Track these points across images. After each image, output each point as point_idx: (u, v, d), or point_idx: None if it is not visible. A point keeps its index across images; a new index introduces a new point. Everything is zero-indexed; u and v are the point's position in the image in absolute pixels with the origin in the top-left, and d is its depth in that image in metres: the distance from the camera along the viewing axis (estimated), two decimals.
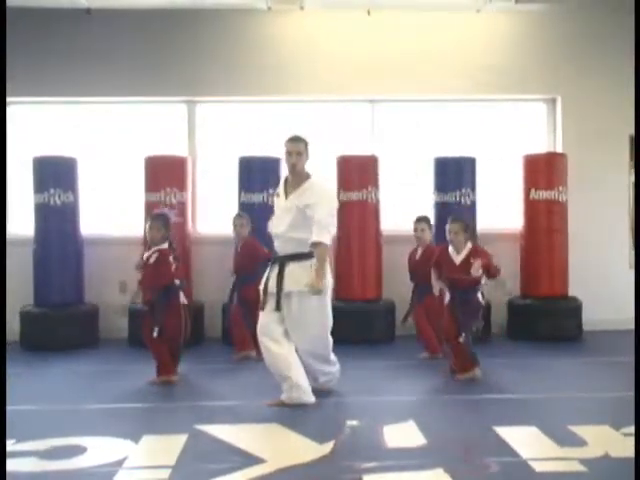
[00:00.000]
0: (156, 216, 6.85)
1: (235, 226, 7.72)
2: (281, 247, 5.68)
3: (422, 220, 7.69)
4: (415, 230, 7.60)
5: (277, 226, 5.70)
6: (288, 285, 5.57)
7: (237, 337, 7.63)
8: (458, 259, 6.54)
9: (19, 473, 4.06)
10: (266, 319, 5.64)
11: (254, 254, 7.46)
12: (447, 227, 6.63)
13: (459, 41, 9.46)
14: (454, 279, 6.51)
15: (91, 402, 5.81)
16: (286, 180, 5.78)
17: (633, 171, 9.51)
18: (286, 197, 5.68)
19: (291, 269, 5.59)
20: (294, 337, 5.66)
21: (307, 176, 5.68)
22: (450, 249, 6.60)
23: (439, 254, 6.74)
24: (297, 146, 5.63)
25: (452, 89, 9.45)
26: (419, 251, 7.61)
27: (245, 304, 7.37)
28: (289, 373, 5.52)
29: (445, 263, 6.61)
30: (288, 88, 9.32)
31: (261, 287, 5.74)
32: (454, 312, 6.44)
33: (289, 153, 5.64)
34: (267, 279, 5.69)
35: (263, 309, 5.68)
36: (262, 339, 5.64)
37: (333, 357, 5.95)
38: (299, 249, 5.55)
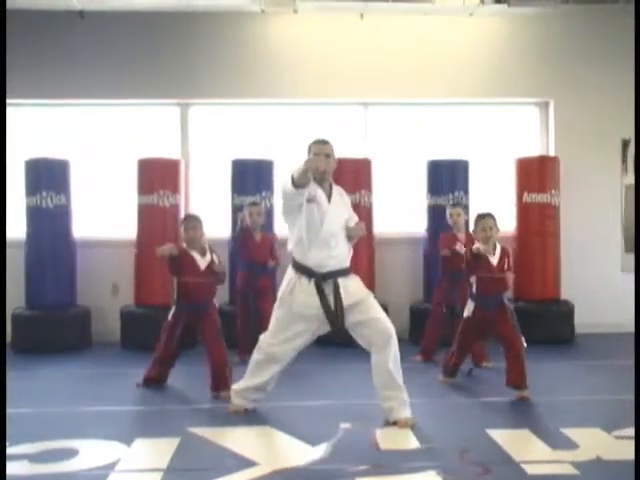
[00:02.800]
0: (188, 216, 6.66)
1: (251, 214, 7.43)
2: (322, 262, 5.06)
3: (458, 205, 7.58)
4: (451, 215, 7.39)
5: (327, 236, 5.07)
6: (348, 300, 5.12)
7: (243, 337, 7.37)
8: (494, 260, 6.07)
9: (11, 476, 4.04)
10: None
11: (272, 251, 7.51)
12: (478, 225, 6.10)
13: (452, 44, 9.47)
14: (499, 282, 6.02)
15: (83, 405, 5.79)
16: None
17: (625, 174, 9.54)
18: (329, 202, 5.15)
19: (345, 284, 5.14)
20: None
21: (330, 180, 5.24)
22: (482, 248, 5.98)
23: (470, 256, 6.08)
24: (326, 148, 5.14)
25: (445, 92, 9.47)
26: (461, 237, 7.34)
27: (258, 296, 7.39)
28: None
29: (479, 265, 6.03)
30: (281, 91, 9.32)
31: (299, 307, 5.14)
32: (507, 322, 5.98)
33: (317, 155, 5.08)
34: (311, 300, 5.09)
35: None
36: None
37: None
38: (344, 264, 5.18)
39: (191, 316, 6.11)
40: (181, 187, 9.00)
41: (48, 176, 8.67)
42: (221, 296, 8.54)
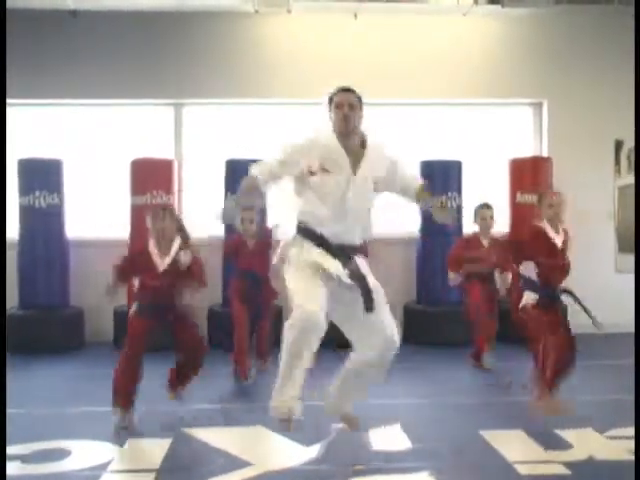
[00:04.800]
0: (157, 206, 6.20)
1: (243, 220, 6.73)
2: (339, 234, 4.22)
3: (489, 207, 7.28)
4: (483, 219, 7.14)
5: (351, 212, 4.24)
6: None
7: (240, 345, 6.75)
8: (559, 241, 5.41)
9: None
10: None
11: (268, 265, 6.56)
12: (544, 201, 5.44)
13: (445, 44, 9.48)
14: (561, 268, 5.44)
15: (76, 405, 5.78)
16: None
17: (619, 175, 9.55)
18: (354, 170, 4.26)
19: (360, 262, 4.39)
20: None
21: (363, 136, 4.45)
22: (548, 228, 5.37)
23: (534, 235, 5.39)
24: (349, 97, 4.39)
25: (438, 92, 9.48)
26: (484, 241, 7.15)
27: (257, 307, 6.79)
28: None
29: (543, 248, 5.33)
30: (275, 91, 9.32)
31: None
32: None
33: (339, 106, 4.35)
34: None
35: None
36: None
37: None
38: (359, 240, 4.40)
39: (155, 316, 5.45)
40: (174, 187, 8.98)
41: (41, 176, 8.67)
42: (214, 298, 8.58)
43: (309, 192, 4.23)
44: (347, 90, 4.42)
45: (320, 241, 4.18)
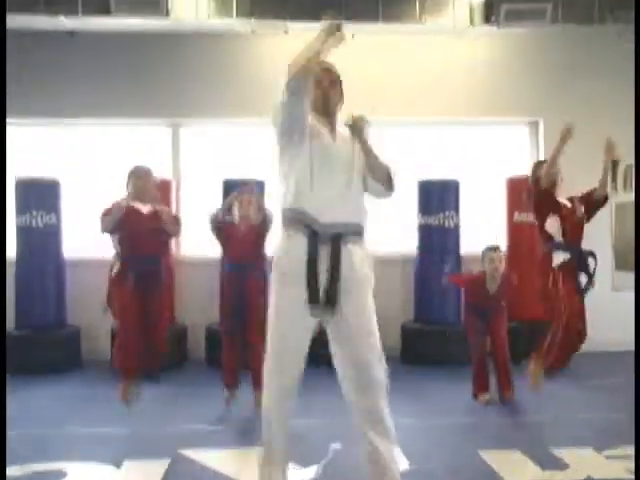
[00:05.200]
0: (137, 166, 6.33)
1: (242, 203, 6.46)
2: (326, 206, 3.76)
3: (497, 249, 6.80)
4: (491, 261, 6.64)
5: (337, 173, 3.85)
6: (348, 273, 3.79)
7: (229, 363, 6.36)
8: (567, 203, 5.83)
9: None
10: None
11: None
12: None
13: (442, 64, 9.52)
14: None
15: (73, 426, 5.76)
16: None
17: (615, 193, 9.57)
18: (334, 139, 3.95)
19: (350, 251, 3.84)
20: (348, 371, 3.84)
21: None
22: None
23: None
24: (331, 74, 4.09)
25: (435, 112, 9.51)
26: (491, 286, 6.70)
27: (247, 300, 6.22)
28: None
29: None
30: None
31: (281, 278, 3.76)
32: None
33: (318, 84, 4.00)
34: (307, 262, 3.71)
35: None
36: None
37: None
38: (354, 219, 3.92)
39: (138, 272, 5.57)
40: (172, 207, 8.99)
41: (38, 195, 8.66)
42: (212, 317, 8.57)
43: (296, 163, 3.82)
44: (327, 69, 4.09)
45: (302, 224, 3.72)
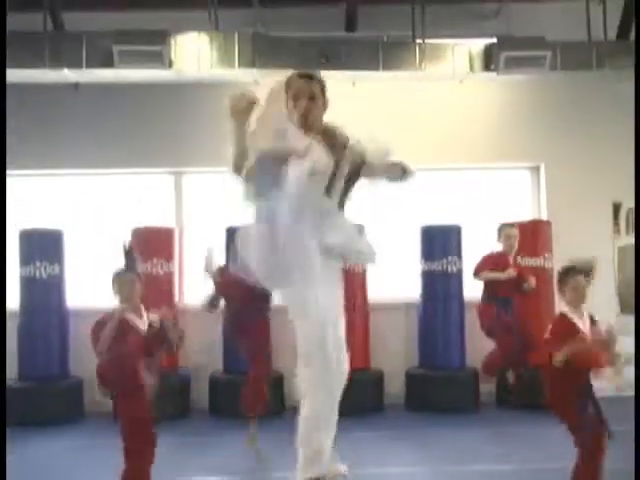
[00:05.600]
0: (122, 270, 5.40)
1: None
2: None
3: (513, 225, 7.00)
4: (508, 237, 6.88)
5: (310, 198, 3.75)
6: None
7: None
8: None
9: None
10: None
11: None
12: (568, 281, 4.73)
13: (443, 111, 9.61)
14: None
15: (76, 479, 5.70)
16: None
17: (618, 236, 9.58)
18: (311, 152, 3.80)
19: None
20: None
21: (329, 131, 4.02)
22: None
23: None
24: (311, 85, 3.84)
25: (436, 158, 9.54)
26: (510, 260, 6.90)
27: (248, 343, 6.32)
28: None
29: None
30: None
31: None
32: None
33: (296, 97, 3.80)
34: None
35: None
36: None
37: None
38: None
39: None
40: (175, 255, 9.01)
41: (42, 246, 8.70)
42: (216, 365, 8.53)
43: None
44: (307, 76, 3.85)
45: None
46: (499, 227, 7.15)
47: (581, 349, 4.45)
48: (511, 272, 7.02)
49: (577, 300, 4.71)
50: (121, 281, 5.09)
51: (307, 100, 3.75)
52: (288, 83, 3.79)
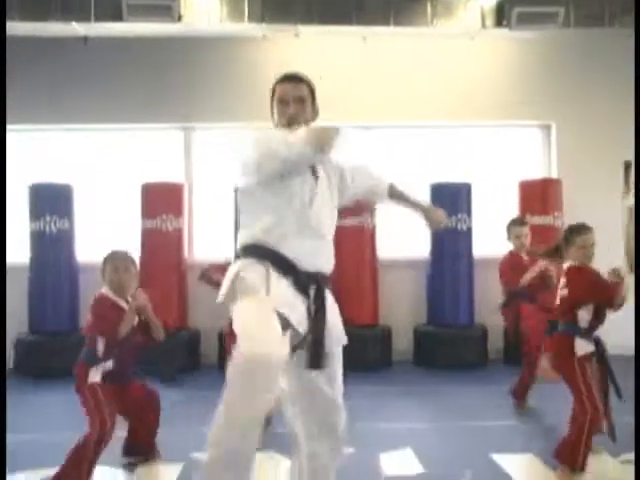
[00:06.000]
0: (118, 253, 5.19)
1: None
2: (308, 255, 3.30)
3: (523, 222, 6.66)
4: (518, 237, 6.48)
5: (318, 221, 3.36)
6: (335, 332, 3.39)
7: None
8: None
9: None
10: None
11: None
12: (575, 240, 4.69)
13: (454, 68, 9.52)
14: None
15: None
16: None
17: (627, 196, 9.53)
18: (314, 173, 3.45)
19: (330, 303, 3.39)
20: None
21: None
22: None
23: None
24: (298, 88, 3.60)
25: (447, 115, 9.50)
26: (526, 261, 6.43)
27: None
28: None
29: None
30: None
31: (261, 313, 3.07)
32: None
33: (282, 101, 3.57)
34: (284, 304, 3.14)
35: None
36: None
37: None
38: (329, 267, 3.43)
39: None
40: (184, 211, 9.02)
41: (51, 201, 8.71)
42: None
43: (267, 199, 3.35)
44: (294, 78, 3.61)
45: (285, 266, 3.23)
46: (508, 225, 6.73)
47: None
48: (541, 266, 6.22)
49: (584, 258, 4.72)
50: (113, 265, 4.96)
51: (294, 104, 3.52)
52: (273, 88, 3.61)
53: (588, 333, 4.65)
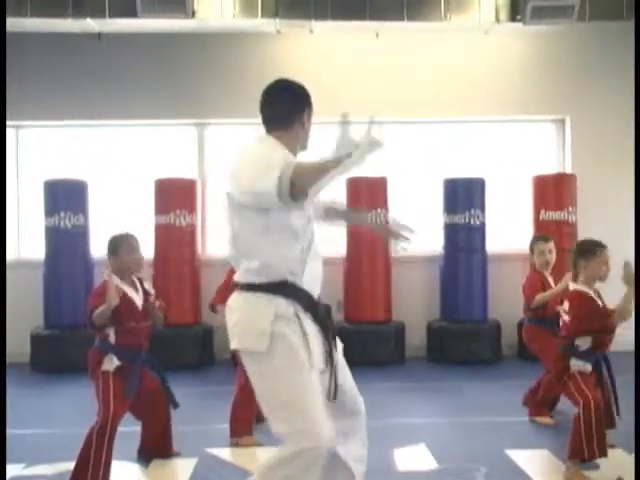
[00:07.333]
0: (129, 235, 5.28)
1: None
2: (315, 281, 3.25)
3: (546, 239, 6.28)
4: (541, 253, 6.12)
5: (317, 242, 3.32)
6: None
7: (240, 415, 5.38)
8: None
9: None
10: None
11: None
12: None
13: (468, 62, 9.50)
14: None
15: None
16: None
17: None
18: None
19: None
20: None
21: None
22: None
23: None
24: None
25: (461, 110, 9.47)
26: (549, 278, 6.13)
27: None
28: None
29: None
30: None
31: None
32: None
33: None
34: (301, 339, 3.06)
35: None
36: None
37: None
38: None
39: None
40: (198, 207, 9.05)
41: (66, 197, 8.75)
42: None
43: (273, 231, 3.20)
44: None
45: (307, 302, 3.13)
46: (531, 241, 6.36)
47: None
48: (567, 279, 5.54)
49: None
50: (116, 251, 5.09)
51: None
52: (310, 101, 3.69)
53: (586, 354, 4.61)
